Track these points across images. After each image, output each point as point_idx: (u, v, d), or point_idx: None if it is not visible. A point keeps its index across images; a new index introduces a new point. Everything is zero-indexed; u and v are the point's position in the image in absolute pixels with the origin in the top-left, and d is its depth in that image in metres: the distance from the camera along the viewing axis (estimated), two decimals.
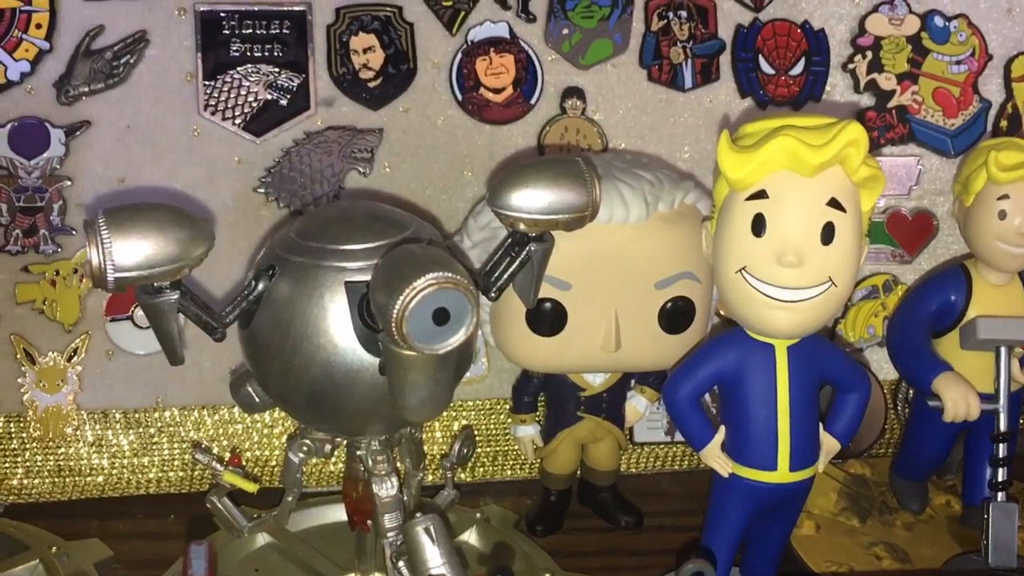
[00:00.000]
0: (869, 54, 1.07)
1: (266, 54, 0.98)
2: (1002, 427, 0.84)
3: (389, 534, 0.72)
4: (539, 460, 0.96)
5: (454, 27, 1.00)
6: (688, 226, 0.83)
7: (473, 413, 1.02)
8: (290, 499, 0.77)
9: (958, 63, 1.08)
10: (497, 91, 1.02)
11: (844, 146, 0.67)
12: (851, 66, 1.06)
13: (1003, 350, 0.83)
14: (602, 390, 0.91)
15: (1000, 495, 0.84)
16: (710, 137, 1.04)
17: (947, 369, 0.84)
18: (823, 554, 0.89)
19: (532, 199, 0.71)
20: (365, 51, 1.00)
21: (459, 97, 1.00)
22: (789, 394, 0.73)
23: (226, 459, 0.81)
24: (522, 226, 0.72)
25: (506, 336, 0.85)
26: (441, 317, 0.58)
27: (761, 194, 0.69)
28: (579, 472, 0.97)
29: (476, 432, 0.99)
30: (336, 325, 0.66)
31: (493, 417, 1.02)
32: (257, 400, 0.72)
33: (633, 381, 0.92)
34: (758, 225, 0.69)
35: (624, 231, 0.83)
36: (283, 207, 0.99)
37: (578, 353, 0.85)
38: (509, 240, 0.74)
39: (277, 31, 0.98)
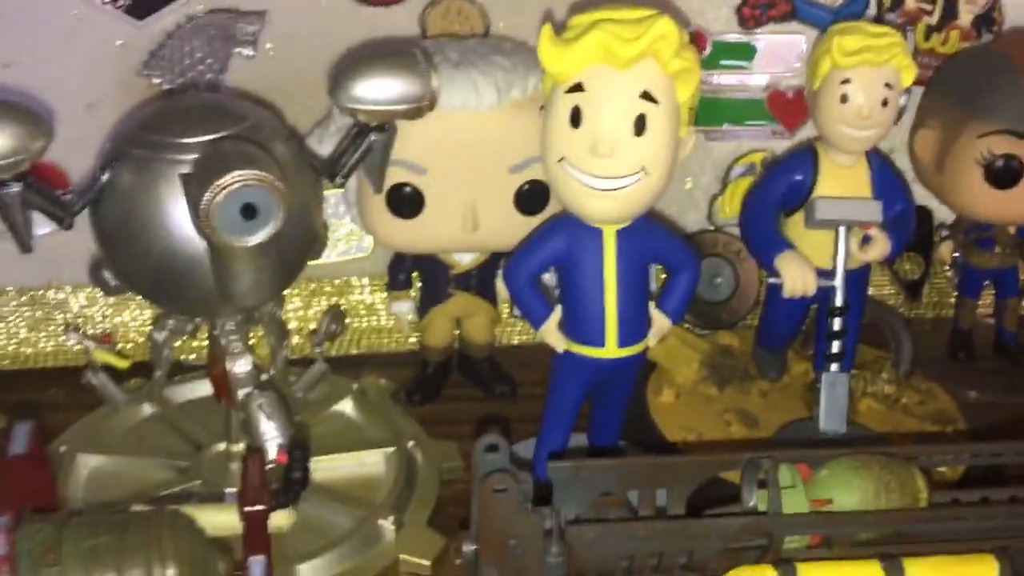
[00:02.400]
0: None
1: None
2: (837, 302, 0.88)
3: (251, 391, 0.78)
4: (417, 333, 1.01)
5: None
6: None
7: (358, 289, 1.06)
8: (158, 374, 0.82)
9: None
10: None
11: (654, 40, 0.70)
12: None
13: (841, 229, 0.88)
14: (471, 268, 0.95)
15: (833, 366, 0.89)
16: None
17: (788, 248, 0.89)
18: (677, 421, 0.95)
19: (368, 90, 0.75)
20: None
21: None
22: (617, 275, 0.77)
23: (99, 336, 0.86)
24: (361, 116, 0.76)
25: (370, 219, 0.89)
26: (249, 212, 0.62)
27: (578, 87, 0.72)
28: (457, 344, 1.02)
29: (357, 306, 1.03)
30: (173, 215, 0.70)
31: (378, 293, 1.06)
32: (111, 284, 0.77)
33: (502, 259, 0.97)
34: (575, 117, 0.72)
35: (477, 117, 0.86)
36: (167, 88, 1.01)
37: (438, 235, 0.89)
38: (353, 130, 0.77)
39: None
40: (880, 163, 0.92)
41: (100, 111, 1.00)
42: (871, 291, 1.11)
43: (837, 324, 0.89)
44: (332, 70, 0.77)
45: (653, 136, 0.72)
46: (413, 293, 1.00)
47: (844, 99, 0.87)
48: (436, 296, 0.97)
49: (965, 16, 1.13)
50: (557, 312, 0.80)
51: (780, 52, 1.11)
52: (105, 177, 0.72)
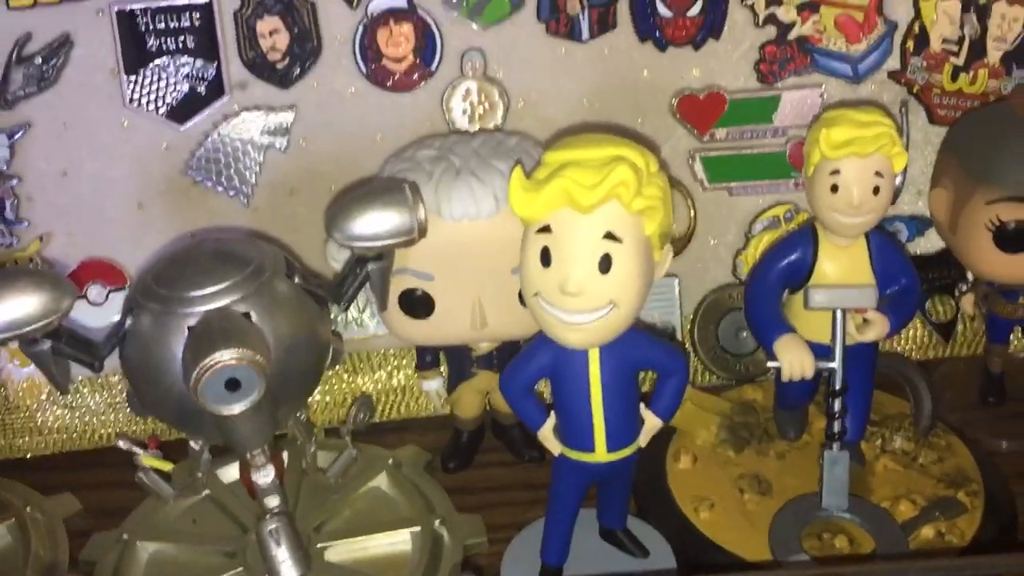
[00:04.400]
0: None
1: (180, 46, 1.07)
2: (836, 384, 0.91)
3: (266, 515, 0.86)
4: (448, 406, 1.08)
5: (354, 1, 1.06)
6: None
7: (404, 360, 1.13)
8: (200, 475, 0.91)
9: None
10: (398, 60, 1.08)
11: (613, 187, 0.74)
12: (748, 1, 1.08)
13: (838, 313, 0.90)
14: (490, 350, 1.01)
15: (835, 445, 0.92)
16: (610, 87, 1.09)
17: (788, 331, 0.92)
18: (692, 489, 1.00)
19: (361, 228, 0.81)
20: (271, 33, 1.07)
21: (363, 69, 1.07)
22: (602, 388, 0.82)
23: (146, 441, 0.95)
24: (357, 251, 0.82)
25: (387, 319, 0.96)
26: (232, 385, 0.69)
27: (547, 228, 0.77)
28: (489, 409, 1.09)
29: (407, 369, 1.10)
30: None
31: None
32: (142, 411, 0.85)
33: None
34: (545, 257, 0.77)
35: (478, 225, 0.91)
36: (210, 187, 1.09)
37: (450, 332, 0.95)
38: (352, 259, 0.84)
39: (188, 23, 1.06)
40: (880, 242, 0.93)
41: (151, 209, 1.09)
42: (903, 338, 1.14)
43: (837, 405, 0.91)
44: (327, 209, 0.83)
45: (619, 272, 0.76)
46: (442, 370, 1.06)
47: (834, 189, 0.89)
48: (462, 374, 1.03)
49: (994, 54, 1.12)
50: (552, 418, 0.85)
51: (800, 105, 1.12)
52: (127, 325, 0.80)
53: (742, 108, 1.11)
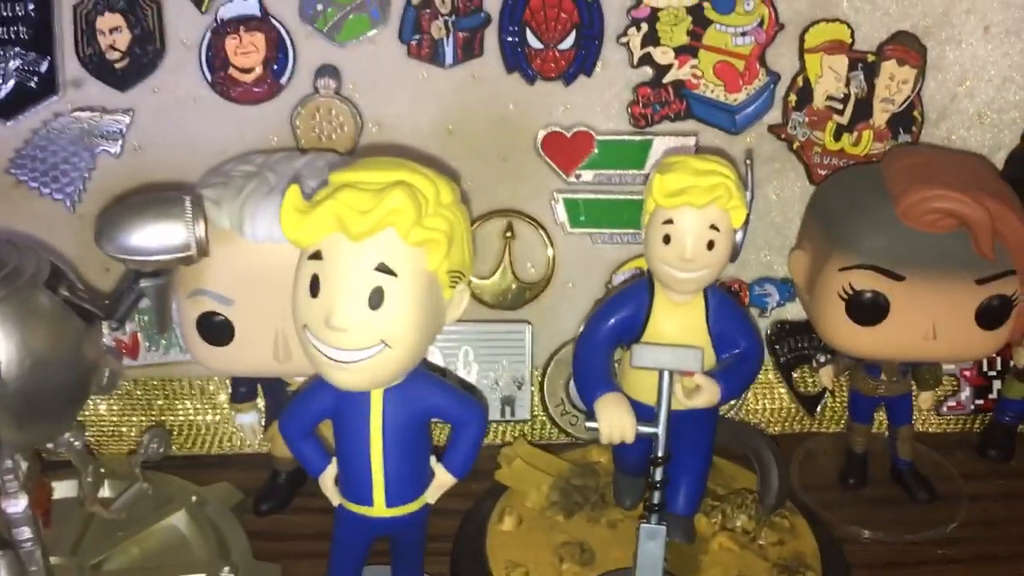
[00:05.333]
0: (645, 26, 1.02)
1: (12, 36, 0.99)
2: (659, 452, 0.84)
3: (20, 546, 0.78)
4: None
5: (203, 4, 1.00)
6: None
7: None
8: None
9: (743, 34, 1.03)
10: (246, 71, 1.01)
11: (387, 215, 0.67)
12: (624, 39, 1.02)
13: (665, 375, 0.83)
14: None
15: (652, 518, 0.84)
16: (473, 117, 1.02)
17: (610, 390, 0.84)
18: (509, 553, 0.92)
19: (131, 240, 0.74)
20: (112, 31, 1.00)
21: (209, 77, 1.00)
22: (383, 436, 0.74)
23: None
24: (129, 265, 0.74)
25: (187, 342, 0.88)
26: None
27: (318, 255, 0.69)
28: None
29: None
30: None
31: None
32: None
33: None
34: (314, 286, 0.70)
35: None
36: (34, 188, 1.01)
37: (253, 362, 0.88)
38: (127, 274, 0.76)
39: (23, 12, 0.99)
40: (720, 300, 0.86)
41: None
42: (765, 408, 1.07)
43: (658, 474, 0.84)
44: (97, 217, 0.76)
45: (392, 309, 0.69)
46: (260, 403, 0.98)
47: (667, 240, 0.82)
48: (279, 409, 0.95)
49: (880, 115, 1.06)
50: (333, 465, 0.78)
51: (673, 152, 1.05)
52: None
53: (611, 151, 1.04)
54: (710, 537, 0.94)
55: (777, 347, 1.08)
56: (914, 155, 0.92)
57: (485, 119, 1.04)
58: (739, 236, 0.84)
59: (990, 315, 0.88)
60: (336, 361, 0.69)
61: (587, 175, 1.05)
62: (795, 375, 1.09)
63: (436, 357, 1.06)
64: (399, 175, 0.69)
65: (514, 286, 1.06)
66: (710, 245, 0.82)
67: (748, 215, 0.84)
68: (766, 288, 1.07)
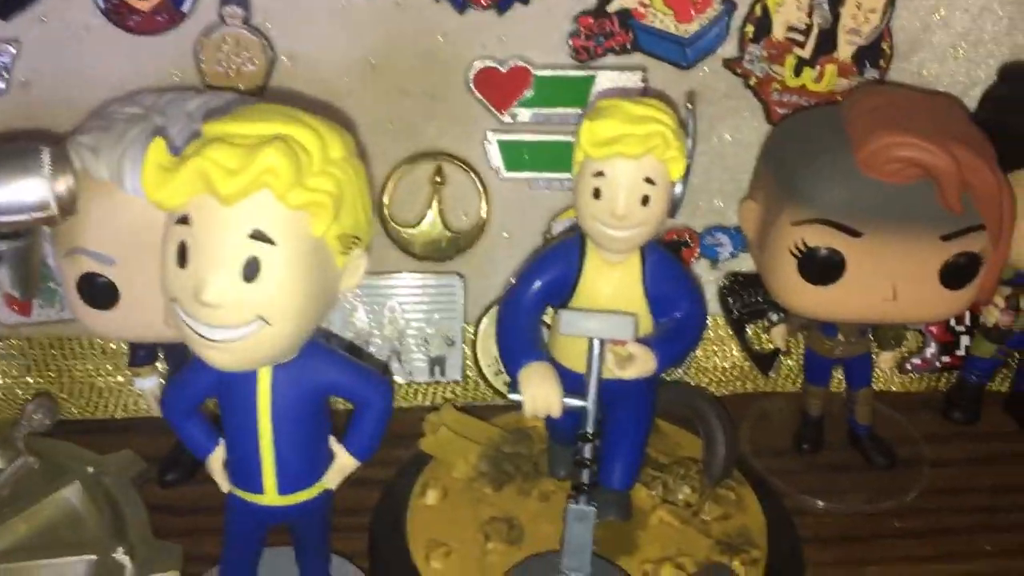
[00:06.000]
0: None
1: None
2: (588, 427, 0.76)
3: None
4: None
5: None
6: None
7: None
8: None
9: None
10: None
11: (260, 174, 0.58)
12: None
13: (595, 343, 0.75)
14: None
15: (582, 498, 0.77)
16: (398, 50, 0.93)
17: (535, 359, 0.77)
18: (432, 530, 0.85)
19: None
20: None
21: (102, 5, 0.90)
22: (273, 417, 0.66)
23: None
24: None
25: (70, 306, 0.80)
26: None
27: (185, 220, 0.60)
28: None
29: None
30: None
31: None
32: None
33: None
34: (182, 255, 0.61)
35: None
36: None
37: (142, 326, 0.80)
38: None
39: None
40: (658, 259, 0.78)
41: None
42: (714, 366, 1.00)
43: (587, 451, 0.76)
44: None
45: (270, 282, 0.60)
46: (160, 366, 0.90)
47: (597, 194, 0.73)
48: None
49: (845, 48, 0.97)
50: (222, 447, 0.70)
51: (618, 88, 0.96)
52: None
53: (550, 87, 0.95)
54: (650, 511, 0.87)
55: (729, 300, 1.00)
56: (877, 96, 0.83)
57: (411, 52, 0.94)
58: (678, 189, 0.75)
59: (955, 274, 0.80)
60: (209, 340, 0.61)
61: (524, 114, 0.96)
62: (748, 331, 1.01)
63: (360, 313, 0.98)
64: (279, 127, 0.60)
65: (445, 235, 0.97)
66: (645, 200, 0.73)
67: (688, 166, 0.75)
68: (718, 237, 0.99)
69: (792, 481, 0.93)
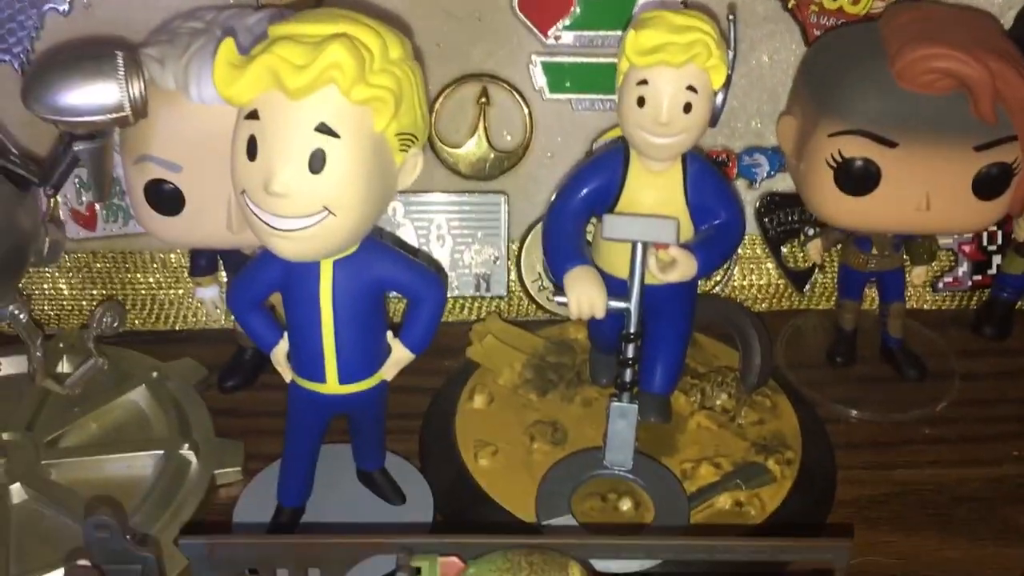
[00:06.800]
0: None
1: None
2: (631, 327, 0.79)
3: None
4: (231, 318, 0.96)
5: None
6: None
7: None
8: None
9: None
10: None
11: (325, 69, 0.62)
12: None
13: (638, 247, 0.78)
14: None
15: (625, 396, 0.81)
16: None
17: (580, 263, 0.80)
18: (479, 431, 0.89)
19: (61, 100, 0.69)
20: None
21: None
22: (334, 309, 0.70)
23: None
24: (60, 126, 0.69)
25: (137, 213, 0.84)
26: None
27: (254, 115, 0.64)
28: None
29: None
30: None
31: None
32: None
33: None
34: (251, 148, 0.65)
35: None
36: None
37: (206, 233, 0.84)
38: (61, 137, 0.71)
39: None
40: (699, 168, 0.81)
41: None
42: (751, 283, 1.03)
43: (630, 351, 0.80)
44: (26, 73, 0.70)
45: (335, 173, 0.64)
46: (221, 276, 0.94)
47: (641, 102, 0.76)
48: None
49: None
50: (285, 340, 0.74)
51: (659, 7, 0.98)
52: None
53: (593, 8, 0.98)
54: (688, 416, 0.91)
55: (766, 220, 1.03)
56: (913, 11, 0.85)
57: None
58: (720, 98, 0.78)
59: (988, 184, 0.83)
60: (277, 229, 0.65)
61: (567, 37, 0.98)
62: (784, 250, 1.04)
63: (408, 230, 1.02)
64: (342, 27, 0.63)
65: (491, 156, 1.01)
66: (687, 108, 0.76)
67: (729, 75, 0.78)
68: (756, 158, 1.02)
69: (826, 392, 0.96)
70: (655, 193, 0.81)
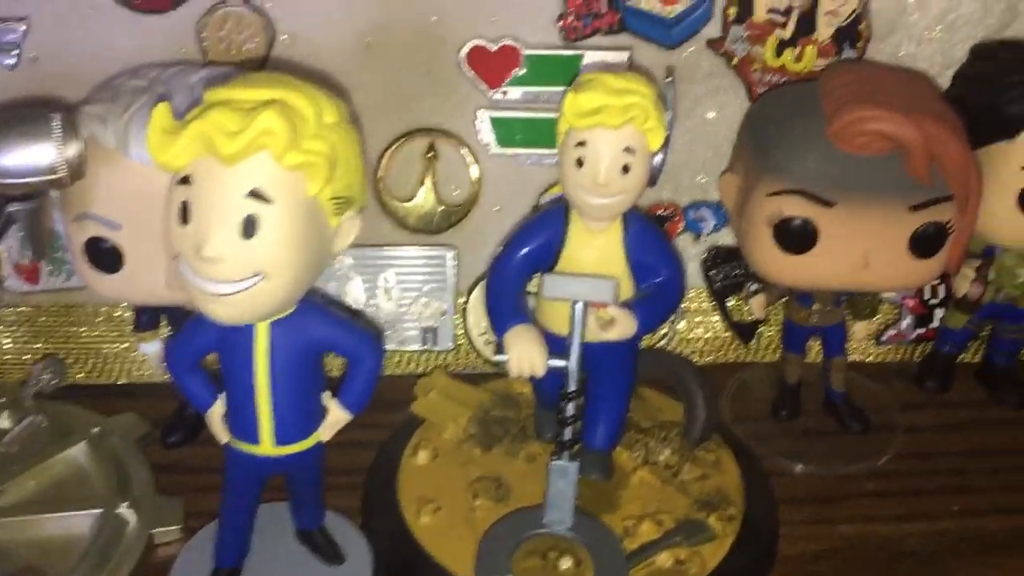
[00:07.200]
0: None
1: None
2: (571, 386, 0.80)
3: None
4: None
5: None
6: None
7: None
8: None
9: None
10: None
11: (257, 136, 0.62)
12: None
13: (577, 306, 0.78)
14: None
15: (565, 454, 0.81)
16: (393, 28, 0.97)
17: (520, 322, 0.80)
18: (422, 487, 0.89)
19: None
20: None
21: None
22: (270, 371, 0.70)
23: None
24: None
25: (79, 269, 0.84)
26: None
27: (187, 180, 0.64)
28: None
29: None
30: None
31: None
32: None
33: None
34: (184, 213, 0.65)
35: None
36: None
37: (146, 290, 0.83)
38: None
39: None
40: (639, 227, 0.82)
41: None
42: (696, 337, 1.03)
43: (570, 409, 0.80)
44: None
45: (268, 238, 0.64)
46: (163, 331, 0.94)
47: (580, 163, 0.77)
48: None
49: (824, 29, 1.00)
50: (221, 401, 0.74)
51: (603, 64, 1.00)
52: None
53: (539, 66, 0.98)
54: (631, 471, 0.91)
55: (712, 273, 1.03)
56: (851, 72, 0.87)
57: (406, 31, 0.98)
58: (658, 159, 0.79)
59: (924, 243, 0.84)
60: (210, 294, 0.65)
61: (514, 92, 0.99)
62: (730, 303, 1.04)
63: (356, 283, 1.02)
64: (277, 93, 0.64)
65: (439, 209, 1.01)
66: (625, 169, 0.77)
67: (668, 137, 0.78)
68: (701, 213, 1.03)
69: (770, 445, 0.97)
70: (595, 252, 0.82)
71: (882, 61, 1.00)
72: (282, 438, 0.72)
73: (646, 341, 1.03)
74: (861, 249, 0.84)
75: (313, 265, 0.67)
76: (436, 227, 1.02)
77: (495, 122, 1.01)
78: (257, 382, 0.70)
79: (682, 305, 1.00)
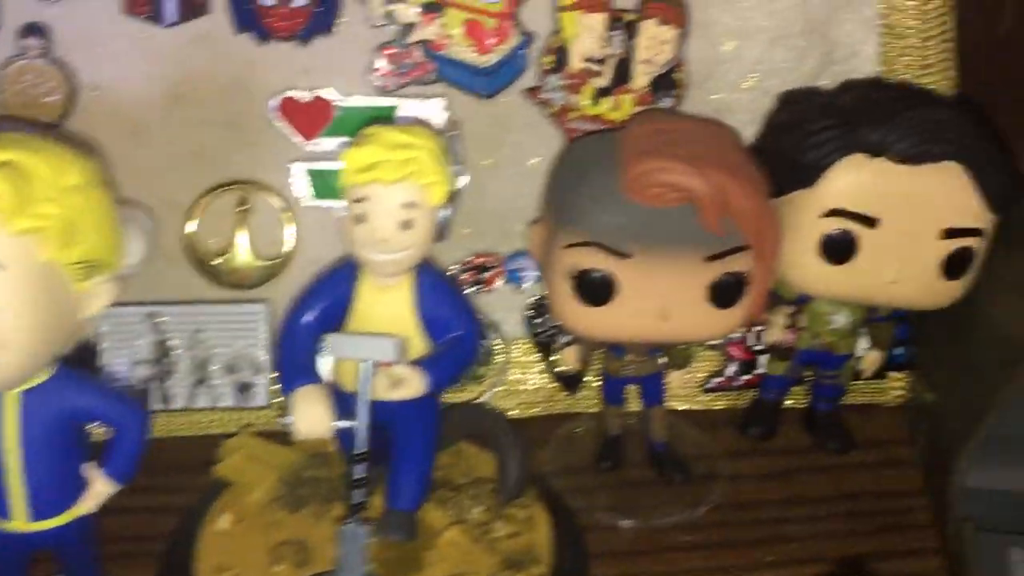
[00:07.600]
0: None
1: None
2: (358, 447, 0.77)
3: None
4: None
5: None
6: None
7: None
8: None
9: None
10: None
11: None
12: None
13: (362, 366, 0.76)
14: None
15: (354, 518, 0.78)
16: (202, 81, 0.95)
17: (308, 382, 0.78)
18: (221, 555, 0.86)
19: None
20: None
21: None
22: (22, 442, 0.67)
23: None
24: None
25: None
26: None
27: None
28: None
29: None
30: None
31: None
32: None
33: None
34: None
35: None
36: None
37: None
38: None
39: None
40: (430, 282, 0.80)
41: None
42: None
43: (357, 471, 0.78)
44: None
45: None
46: None
47: (359, 219, 0.75)
48: None
49: (641, 78, 1.00)
50: None
51: (422, 118, 0.98)
52: None
53: (353, 117, 0.97)
54: (442, 530, 0.88)
55: (536, 322, 1.02)
56: (651, 123, 0.86)
57: (215, 83, 0.96)
58: (443, 214, 0.77)
59: (723, 293, 0.83)
60: None
61: (329, 143, 0.98)
62: (554, 353, 1.03)
63: (166, 340, 0.99)
64: (8, 155, 0.61)
65: (252, 264, 0.99)
66: (407, 224, 0.75)
67: (453, 191, 0.77)
68: (520, 263, 1.01)
69: (590, 498, 0.95)
70: (386, 308, 0.80)
71: (699, 110, 1.00)
72: (39, 513, 0.69)
73: (469, 394, 1.01)
74: (660, 301, 0.83)
75: (54, 333, 0.65)
76: (252, 282, 1.00)
77: (312, 174, 0.99)
78: (6, 454, 0.67)
79: (509, 356, 0.99)
